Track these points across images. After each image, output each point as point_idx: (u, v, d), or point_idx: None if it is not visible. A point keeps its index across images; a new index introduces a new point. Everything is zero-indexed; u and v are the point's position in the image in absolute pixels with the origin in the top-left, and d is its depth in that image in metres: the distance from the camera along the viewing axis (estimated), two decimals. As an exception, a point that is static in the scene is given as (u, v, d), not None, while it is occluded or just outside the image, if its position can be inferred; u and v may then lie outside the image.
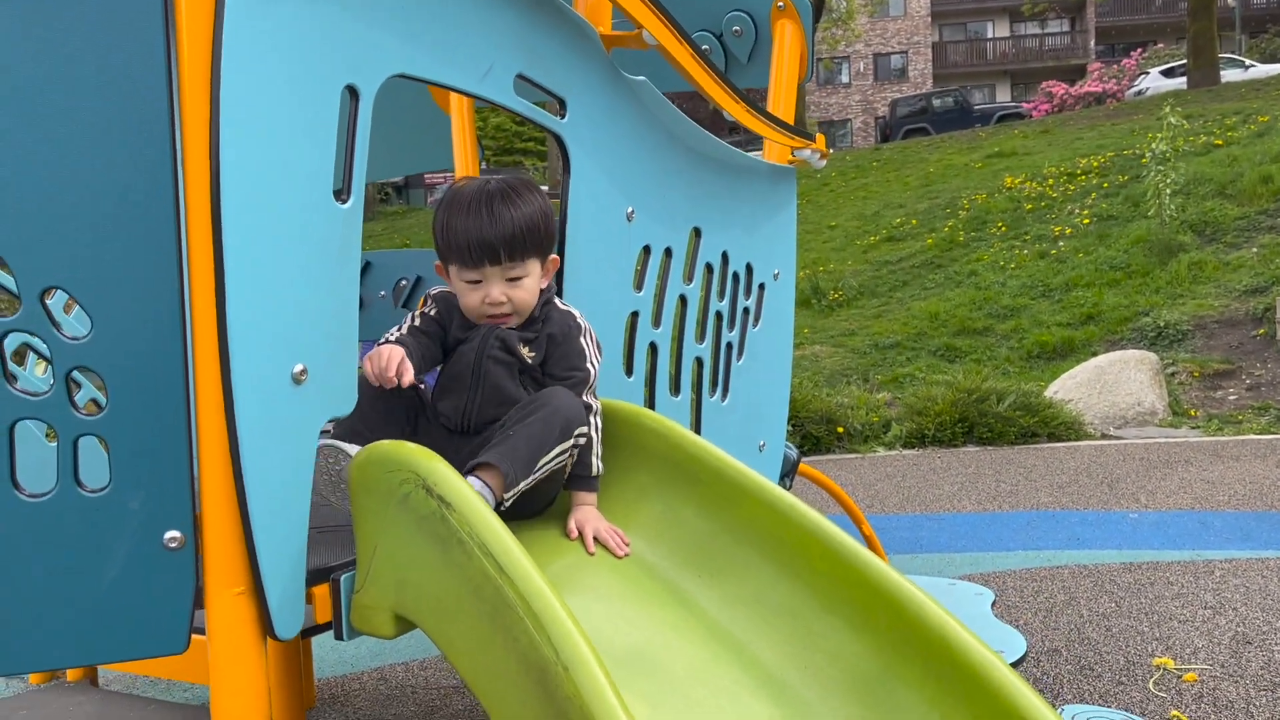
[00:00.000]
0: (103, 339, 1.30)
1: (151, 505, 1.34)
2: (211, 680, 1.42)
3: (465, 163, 3.23)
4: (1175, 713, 3.19)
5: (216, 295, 1.30)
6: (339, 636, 1.53)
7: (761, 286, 2.63)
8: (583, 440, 1.70)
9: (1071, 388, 9.58)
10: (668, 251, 2.21)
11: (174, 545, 1.36)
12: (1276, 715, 3.13)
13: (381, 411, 1.66)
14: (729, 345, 2.51)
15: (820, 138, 2.65)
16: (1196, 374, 10.01)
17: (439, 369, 1.81)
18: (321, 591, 1.52)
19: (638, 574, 1.72)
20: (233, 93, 1.31)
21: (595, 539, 1.69)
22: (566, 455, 1.67)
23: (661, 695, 1.47)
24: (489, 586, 1.35)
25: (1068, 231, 14.16)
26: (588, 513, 1.73)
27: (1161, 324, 10.98)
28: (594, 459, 1.73)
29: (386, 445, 1.50)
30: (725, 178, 2.40)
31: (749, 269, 2.55)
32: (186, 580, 1.37)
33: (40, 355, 2.57)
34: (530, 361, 1.74)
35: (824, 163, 2.74)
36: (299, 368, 1.40)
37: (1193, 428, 8.83)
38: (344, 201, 1.47)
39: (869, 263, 15.77)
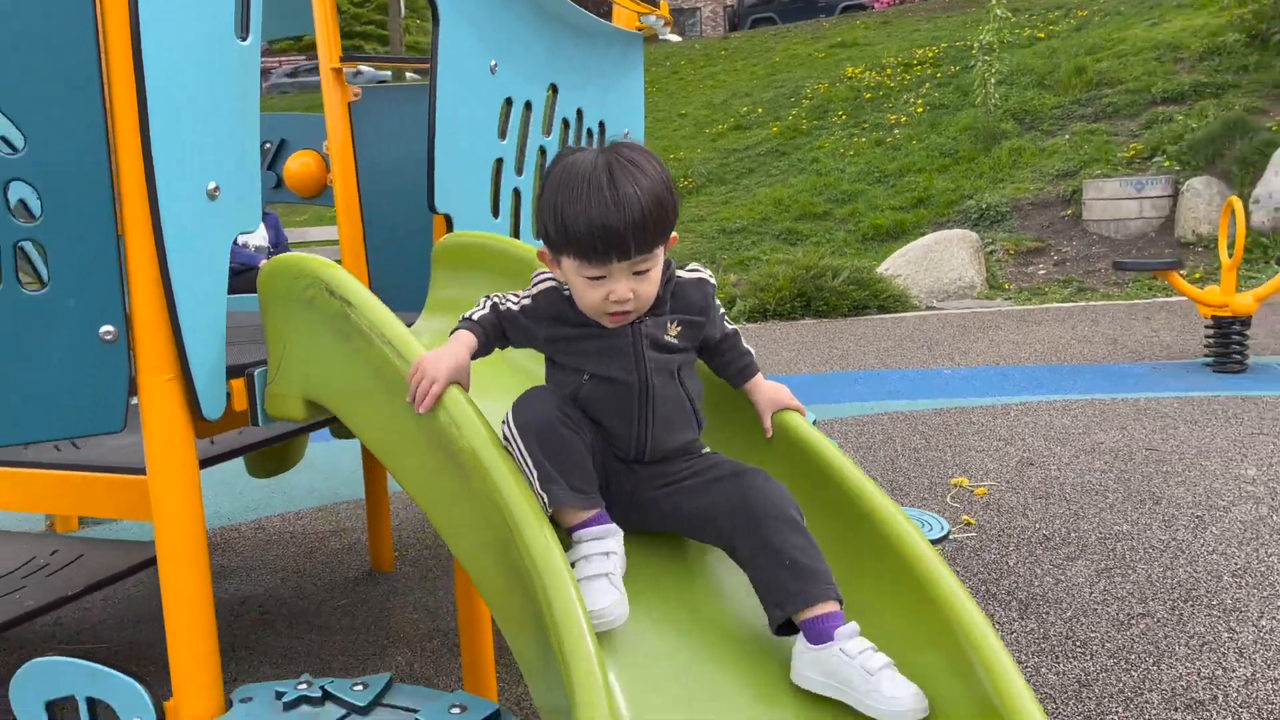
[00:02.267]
0: (35, 154, 1.48)
1: (87, 303, 1.54)
2: (148, 460, 1.65)
3: (325, 26, 3.33)
4: (966, 517, 3.76)
5: (140, 118, 1.48)
6: (254, 422, 1.77)
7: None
8: (730, 329, 1.65)
9: (901, 265, 10.29)
10: (528, 105, 2.45)
11: (109, 338, 1.57)
12: (1047, 516, 3.73)
13: (577, 457, 1.48)
14: (584, 195, 2.78)
15: (664, 4, 2.90)
16: (1012, 252, 10.89)
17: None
18: (238, 385, 1.75)
19: (515, 379, 2.01)
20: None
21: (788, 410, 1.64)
22: None
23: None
24: (388, 369, 1.61)
25: (903, 120, 14.82)
26: (772, 390, 1.66)
27: (984, 206, 11.81)
28: (747, 345, 1.68)
29: (290, 257, 1.72)
30: (580, 40, 2.64)
31: (601, 126, 2.81)
32: (121, 369, 1.58)
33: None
34: (679, 343, 1.54)
35: (669, 31, 2.99)
36: (213, 185, 1.60)
37: (1005, 299, 9.68)
38: (244, 39, 1.65)
39: (717, 150, 16.14)
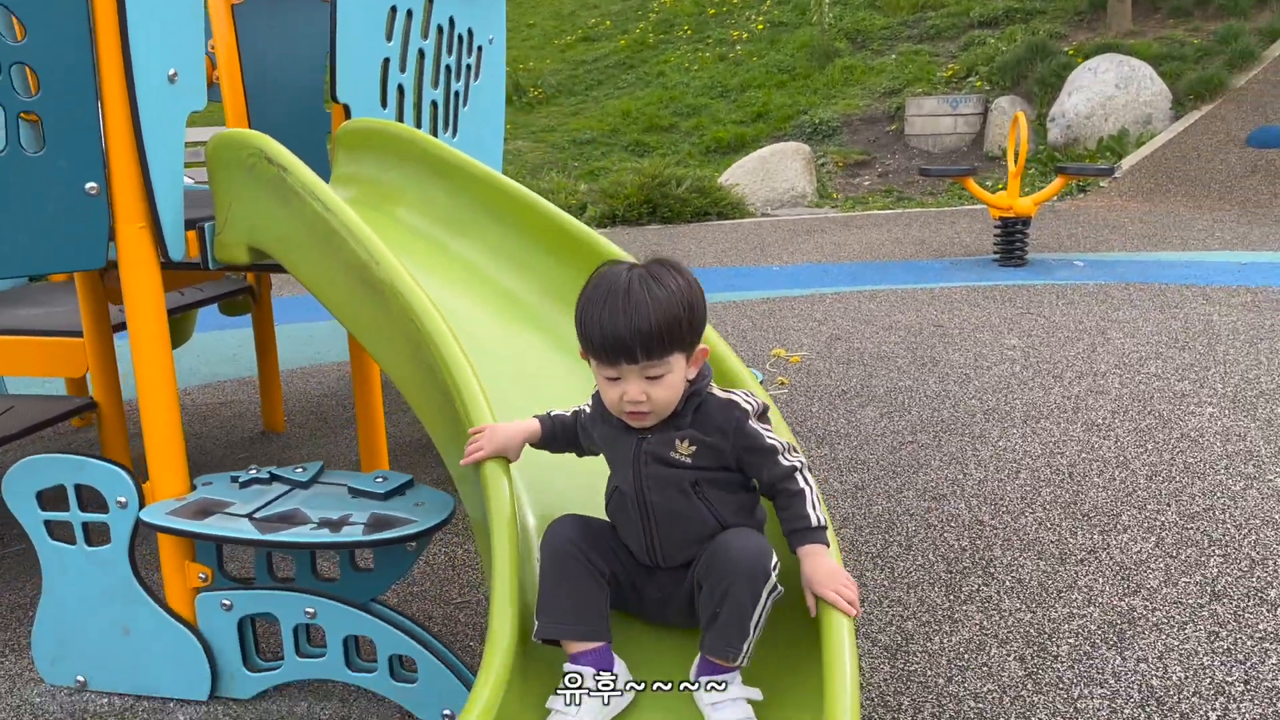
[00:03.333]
0: (34, 42, 1.85)
1: (75, 163, 1.94)
2: (125, 293, 2.07)
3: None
4: (781, 379, 4.46)
5: (119, 16, 1.88)
6: (205, 266, 2.21)
7: (480, 49, 3.34)
8: (794, 489, 1.52)
9: (740, 175, 10.98)
10: (409, 13, 2.87)
11: (93, 192, 1.97)
12: (847, 376, 4.46)
13: (581, 592, 1.54)
14: (456, 93, 3.23)
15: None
16: (840, 164, 11.74)
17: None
18: (191, 235, 2.17)
19: (410, 237, 2.49)
20: None
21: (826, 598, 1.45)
22: (773, 594, 1.48)
23: (441, 293, 2.28)
24: (319, 221, 2.07)
25: (745, 36, 15.43)
26: (813, 568, 1.48)
27: (817, 121, 12.60)
28: (810, 510, 1.51)
29: (232, 131, 2.14)
30: (451, -45, 3.05)
31: (470, 33, 3.25)
32: (102, 218, 1.99)
33: None
34: (690, 461, 1.54)
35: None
36: (173, 71, 2.01)
37: (833, 207, 10.52)
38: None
39: (566, 62, 16.39)
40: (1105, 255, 7.11)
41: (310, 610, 2.09)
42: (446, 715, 2.06)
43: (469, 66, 3.29)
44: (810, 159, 11.32)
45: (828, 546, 1.49)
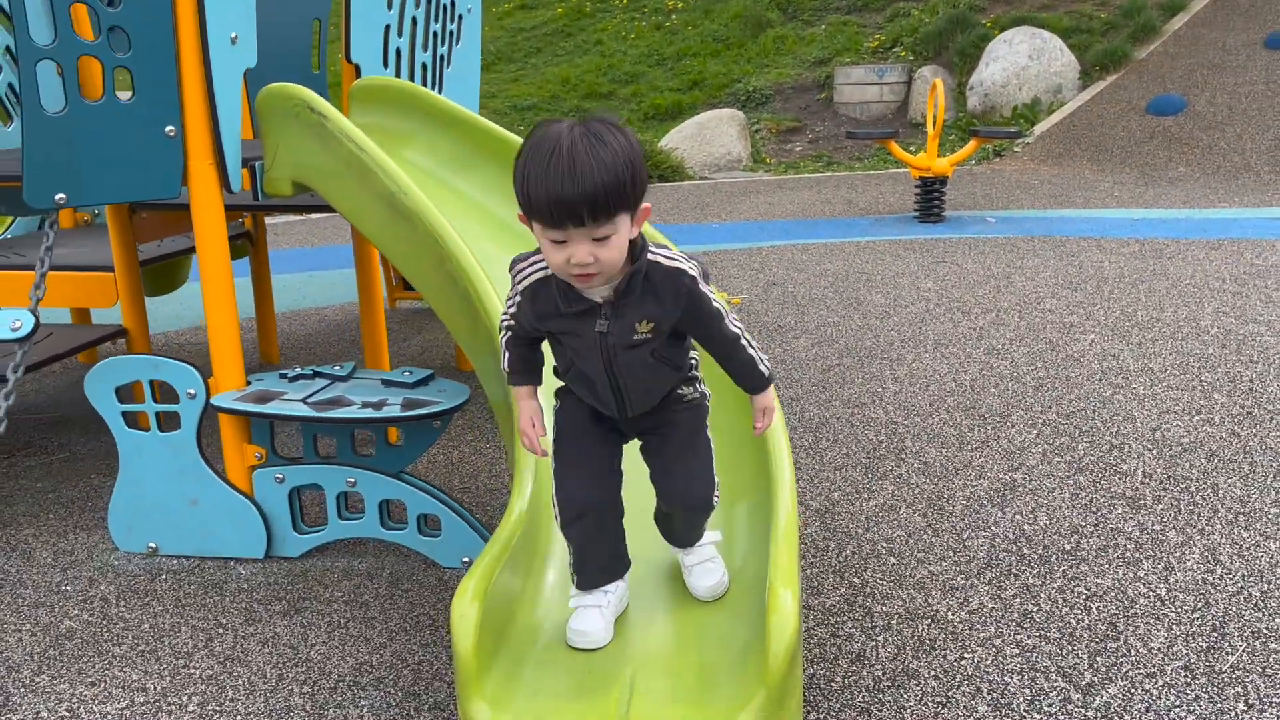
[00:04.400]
0: (128, 8, 2.27)
1: (158, 110, 2.36)
2: (195, 218, 2.50)
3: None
4: (724, 316, 4.98)
5: (196, -12, 2.31)
6: (256, 198, 2.64)
7: (461, 17, 3.78)
8: (744, 357, 1.73)
9: (678, 140, 11.47)
10: (405, -14, 3.30)
11: (171, 134, 2.39)
12: (783, 314, 5.01)
13: (610, 544, 1.78)
14: (441, 56, 3.67)
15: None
16: (774, 130, 12.29)
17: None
18: (245, 173, 2.60)
19: (419, 175, 2.95)
20: None
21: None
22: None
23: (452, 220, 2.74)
24: (355, 160, 2.52)
25: (680, 6, 15.85)
26: (765, 401, 1.78)
27: (750, 89, 13.12)
28: (762, 369, 1.75)
29: (279, 85, 2.58)
30: (438, -67, 3.49)
31: (453, 3, 3.68)
32: (178, 156, 2.42)
33: None
34: (650, 336, 1.63)
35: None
36: (234, 34, 2.43)
37: (766, 171, 11.08)
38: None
39: (505, 29, 16.65)
40: (1015, 212, 7.77)
41: (351, 480, 2.56)
42: (465, 561, 2.55)
43: (452, 33, 3.73)
44: (745, 125, 11.86)
45: (766, 391, 1.78)
